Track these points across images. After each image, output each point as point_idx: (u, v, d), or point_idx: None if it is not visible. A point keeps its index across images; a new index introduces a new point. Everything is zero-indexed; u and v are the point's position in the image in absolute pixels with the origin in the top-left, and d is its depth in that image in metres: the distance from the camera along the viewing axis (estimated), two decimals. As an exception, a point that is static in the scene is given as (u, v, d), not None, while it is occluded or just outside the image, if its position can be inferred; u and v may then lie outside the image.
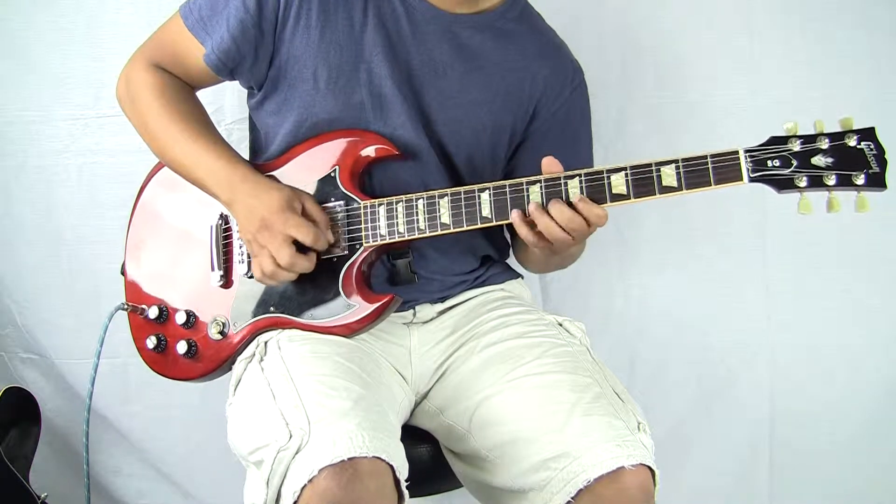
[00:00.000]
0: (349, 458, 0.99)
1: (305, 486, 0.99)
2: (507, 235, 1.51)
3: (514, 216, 1.19)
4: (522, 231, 1.19)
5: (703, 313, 1.92)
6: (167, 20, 1.37)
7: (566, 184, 1.17)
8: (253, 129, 1.45)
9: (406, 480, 1.06)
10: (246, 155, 1.42)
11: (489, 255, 1.47)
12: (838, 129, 1.09)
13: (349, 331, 1.26)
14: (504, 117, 1.36)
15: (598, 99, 1.49)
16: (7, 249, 1.92)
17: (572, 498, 1.09)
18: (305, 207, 1.25)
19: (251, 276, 1.32)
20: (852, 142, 1.07)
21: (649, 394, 1.92)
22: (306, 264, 1.23)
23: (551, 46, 1.42)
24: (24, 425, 1.74)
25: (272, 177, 1.33)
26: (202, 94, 1.43)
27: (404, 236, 1.25)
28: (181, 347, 1.35)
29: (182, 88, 1.37)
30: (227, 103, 1.81)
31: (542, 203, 1.18)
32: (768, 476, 1.97)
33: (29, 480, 1.69)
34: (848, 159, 1.08)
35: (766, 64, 1.79)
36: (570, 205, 1.16)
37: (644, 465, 1.09)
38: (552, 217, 1.16)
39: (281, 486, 1.03)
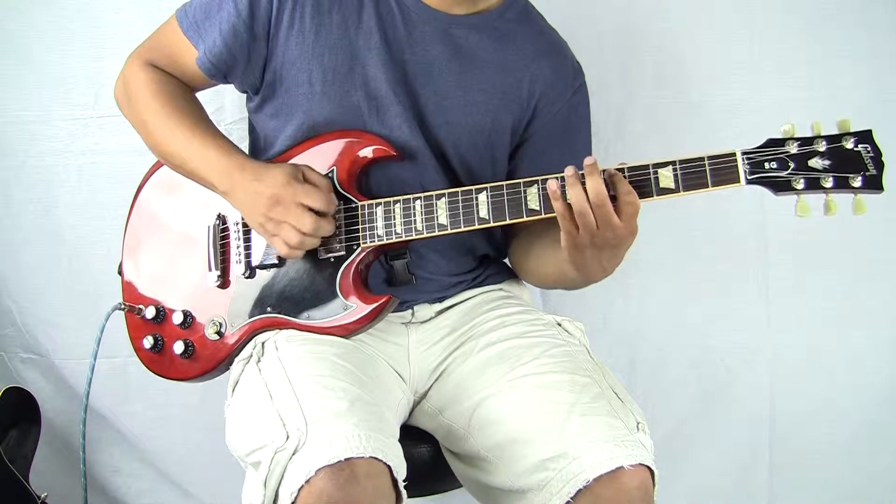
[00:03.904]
0: (346, 459, 0.99)
1: (303, 486, 0.99)
2: (508, 250, 1.48)
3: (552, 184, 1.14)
4: (558, 205, 1.14)
5: (703, 313, 1.92)
6: (164, 22, 1.38)
7: (563, 185, 1.17)
8: (252, 130, 1.45)
9: (404, 480, 1.06)
10: (245, 155, 1.42)
11: (487, 255, 1.46)
12: (835, 132, 1.08)
13: (346, 331, 1.26)
14: (503, 118, 1.36)
15: (598, 99, 1.49)
16: (7, 249, 1.92)
17: (571, 498, 1.08)
18: (307, 176, 1.25)
19: (249, 277, 1.32)
20: (849, 144, 1.07)
21: (649, 394, 1.92)
22: (329, 227, 1.23)
23: (552, 47, 1.41)
24: (24, 425, 1.74)
25: None
26: (202, 95, 1.43)
27: (401, 237, 1.25)
28: (178, 347, 1.35)
29: (179, 86, 1.37)
30: (228, 103, 1.81)
31: (541, 205, 1.18)
32: (768, 476, 1.97)
33: (29, 480, 1.69)
34: (845, 162, 1.07)
35: (766, 64, 1.79)
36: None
37: (643, 465, 1.09)
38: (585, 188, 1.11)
39: (278, 487, 1.02)
